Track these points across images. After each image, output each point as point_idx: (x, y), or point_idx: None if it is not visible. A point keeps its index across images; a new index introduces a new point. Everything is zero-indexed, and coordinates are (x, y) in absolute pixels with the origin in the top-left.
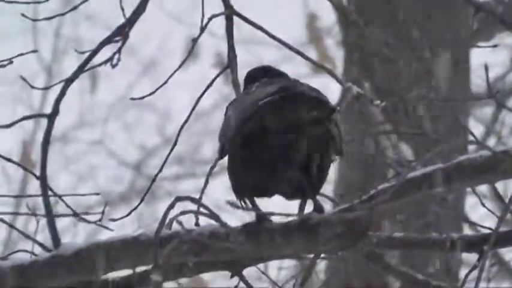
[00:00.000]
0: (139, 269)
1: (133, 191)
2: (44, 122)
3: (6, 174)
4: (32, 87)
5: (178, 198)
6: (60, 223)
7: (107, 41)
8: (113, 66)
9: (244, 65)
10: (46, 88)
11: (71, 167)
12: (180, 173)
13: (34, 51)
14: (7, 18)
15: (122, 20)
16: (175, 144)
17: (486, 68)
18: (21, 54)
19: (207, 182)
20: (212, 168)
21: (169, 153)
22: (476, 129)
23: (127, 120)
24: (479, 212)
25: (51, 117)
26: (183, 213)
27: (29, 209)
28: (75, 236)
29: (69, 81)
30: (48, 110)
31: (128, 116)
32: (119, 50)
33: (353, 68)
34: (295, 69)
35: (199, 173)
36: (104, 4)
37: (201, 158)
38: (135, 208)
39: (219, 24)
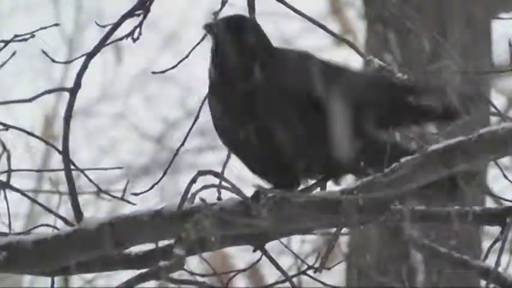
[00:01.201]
0: (162, 243)
1: (155, 164)
2: (66, 95)
3: (29, 148)
4: (54, 61)
5: (200, 173)
6: (83, 197)
7: (128, 14)
8: (134, 40)
9: None
10: (68, 62)
11: (93, 140)
12: (202, 145)
13: (56, 24)
14: None
15: None
16: (197, 117)
17: (509, 42)
18: (43, 28)
19: (229, 155)
20: None
21: (192, 126)
22: (498, 100)
23: (149, 94)
24: (501, 183)
25: (73, 91)
26: (205, 187)
27: (52, 183)
28: (97, 209)
29: (90, 55)
30: (70, 83)
31: (150, 89)
32: (140, 24)
33: (375, 40)
34: (317, 41)
35: (222, 146)
36: None
37: None
38: (157, 182)
39: None
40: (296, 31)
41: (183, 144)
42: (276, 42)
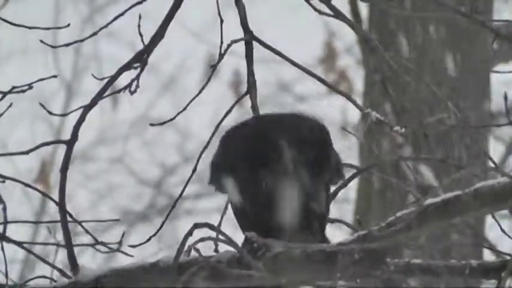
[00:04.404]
0: None
1: (153, 209)
2: (65, 132)
3: (26, 194)
4: (51, 113)
5: (197, 225)
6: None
7: (126, 67)
8: (132, 92)
9: (264, 84)
10: (65, 114)
11: (90, 184)
12: (200, 191)
13: (54, 76)
14: (27, 36)
15: (140, 39)
16: (195, 168)
17: (505, 96)
18: (41, 80)
19: (226, 207)
20: None
21: (190, 176)
22: (496, 149)
23: (147, 138)
24: (498, 231)
25: (70, 143)
26: (201, 240)
27: (49, 231)
28: (93, 257)
29: (88, 108)
30: (67, 127)
31: (147, 134)
32: (138, 77)
33: (373, 89)
34: (315, 88)
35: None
36: (124, 20)
37: None
38: (155, 234)
39: (238, 43)
40: (294, 78)
41: (180, 196)
42: (274, 88)
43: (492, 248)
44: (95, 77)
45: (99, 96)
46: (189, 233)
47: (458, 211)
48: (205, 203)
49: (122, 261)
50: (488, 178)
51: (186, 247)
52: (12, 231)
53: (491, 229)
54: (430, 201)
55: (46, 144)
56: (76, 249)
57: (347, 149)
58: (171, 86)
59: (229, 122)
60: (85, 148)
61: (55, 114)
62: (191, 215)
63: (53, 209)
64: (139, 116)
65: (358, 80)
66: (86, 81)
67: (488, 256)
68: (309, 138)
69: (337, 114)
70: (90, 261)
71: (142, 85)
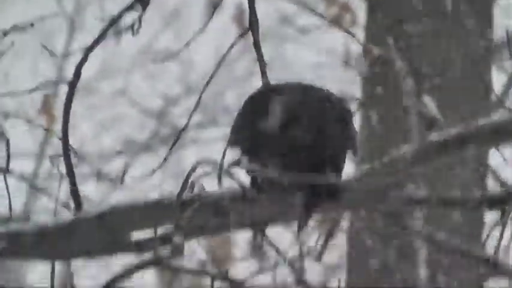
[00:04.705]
0: (162, 230)
1: (156, 139)
2: (67, 70)
3: (30, 125)
4: (52, 54)
5: (199, 162)
6: (81, 176)
7: (128, 9)
8: (133, 34)
9: (265, 17)
10: (66, 56)
11: (93, 116)
12: (203, 121)
13: (55, 14)
14: None
15: None
16: (199, 100)
17: (507, 32)
18: (42, 18)
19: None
20: None
21: (195, 108)
22: (499, 79)
23: (150, 70)
24: (500, 160)
25: (72, 84)
26: (204, 174)
27: (52, 163)
28: (96, 188)
29: (89, 49)
30: (70, 62)
31: (150, 66)
32: (140, 18)
33: (375, 24)
34: (317, 21)
35: (223, 122)
36: None
37: (224, 106)
38: (159, 167)
39: None
40: (295, 10)
41: (186, 126)
42: (275, 21)
43: (497, 178)
44: (96, 19)
45: (101, 37)
46: (193, 170)
47: (460, 146)
48: (209, 132)
49: (125, 193)
50: (491, 112)
51: (189, 183)
52: (16, 164)
53: (493, 156)
54: (432, 137)
55: (47, 85)
56: (79, 181)
57: (349, 82)
58: (174, 19)
59: (233, 54)
60: (88, 80)
61: (57, 56)
62: (195, 144)
63: (56, 140)
64: (142, 48)
65: (360, 12)
66: (88, 15)
67: (492, 186)
68: (334, 110)
69: (339, 46)
70: (93, 193)
71: (145, 18)
